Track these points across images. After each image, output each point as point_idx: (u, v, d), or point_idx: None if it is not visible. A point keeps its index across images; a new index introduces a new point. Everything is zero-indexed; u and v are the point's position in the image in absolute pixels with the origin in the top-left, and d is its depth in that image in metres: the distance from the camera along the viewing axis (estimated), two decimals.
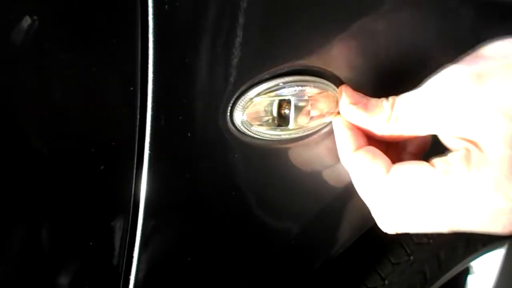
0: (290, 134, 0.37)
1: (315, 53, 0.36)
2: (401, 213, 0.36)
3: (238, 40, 0.33)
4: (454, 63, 0.35)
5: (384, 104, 0.36)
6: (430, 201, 0.34)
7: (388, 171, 0.35)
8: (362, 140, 0.37)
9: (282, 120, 0.36)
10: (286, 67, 0.35)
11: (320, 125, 0.38)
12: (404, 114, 0.36)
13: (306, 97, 0.35)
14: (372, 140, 0.38)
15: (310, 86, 0.36)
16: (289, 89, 0.35)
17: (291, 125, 0.36)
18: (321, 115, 0.37)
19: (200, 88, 0.33)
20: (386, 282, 0.61)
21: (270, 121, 0.36)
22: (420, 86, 0.36)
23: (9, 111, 0.29)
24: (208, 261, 0.41)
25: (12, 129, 0.29)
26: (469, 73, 0.33)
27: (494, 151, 0.32)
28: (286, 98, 0.35)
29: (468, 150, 0.33)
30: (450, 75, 0.34)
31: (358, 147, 0.37)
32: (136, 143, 0.33)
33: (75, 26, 0.29)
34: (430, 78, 0.35)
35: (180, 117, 0.33)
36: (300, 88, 0.35)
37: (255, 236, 0.42)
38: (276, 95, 0.35)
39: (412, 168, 0.35)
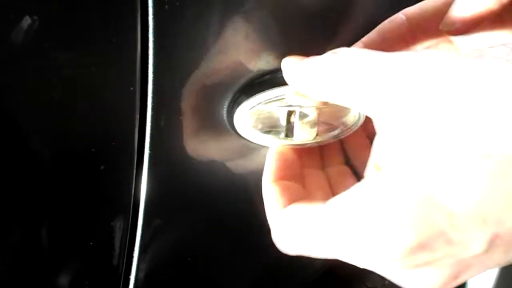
0: (294, 143, 0.35)
1: None
2: None
3: (240, 41, 0.32)
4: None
5: None
6: None
7: None
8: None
9: (287, 128, 0.34)
10: None
11: (327, 137, 0.36)
12: None
13: (313, 108, 0.33)
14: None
15: None
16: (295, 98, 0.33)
17: (296, 136, 0.34)
18: (329, 127, 0.35)
19: (201, 89, 0.33)
20: (386, 282, 0.61)
21: (274, 127, 0.35)
22: None
23: (8, 111, 0.29)
24: (208, 261, 0.41)
25: (11, 129, 0.29)
26: None
27: None
28: (292, 108, 0.34)
29: None
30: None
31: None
32: (136, 143, 0.33)
33: (75, 25, 0.29)
34: None
35: (180, 117, 0.33)
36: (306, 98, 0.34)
37: (255, 237, 0.42)
38: (281, 103, 0.33)
39: None
